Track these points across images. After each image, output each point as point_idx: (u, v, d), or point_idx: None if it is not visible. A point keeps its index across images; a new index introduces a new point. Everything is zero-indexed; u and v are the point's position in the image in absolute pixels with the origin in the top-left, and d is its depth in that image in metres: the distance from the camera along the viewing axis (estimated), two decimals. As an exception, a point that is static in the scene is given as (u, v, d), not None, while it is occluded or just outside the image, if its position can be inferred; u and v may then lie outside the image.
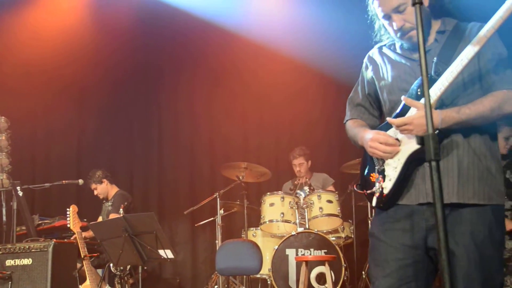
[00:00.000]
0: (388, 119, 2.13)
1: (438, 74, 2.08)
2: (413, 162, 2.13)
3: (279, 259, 5.25)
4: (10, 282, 4.40)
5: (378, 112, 2.48)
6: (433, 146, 1.49)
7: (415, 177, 2.14)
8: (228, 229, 6.62)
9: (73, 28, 6.85)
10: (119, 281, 4.63)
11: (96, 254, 5.31)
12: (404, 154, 2.13)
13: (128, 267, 4.72)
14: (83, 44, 6.91)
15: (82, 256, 4.59)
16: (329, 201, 5.46)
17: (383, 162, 2.21)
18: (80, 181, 5.82)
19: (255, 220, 5.99)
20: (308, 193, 5.76)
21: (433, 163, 1.51)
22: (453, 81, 2.01)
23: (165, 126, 7.49)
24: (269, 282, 5.46)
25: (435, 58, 2.15)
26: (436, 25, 2.25)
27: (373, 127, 2.40)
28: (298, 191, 5.82)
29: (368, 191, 2.27)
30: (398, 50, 2.31)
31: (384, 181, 2.19)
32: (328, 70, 6.65)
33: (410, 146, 2.12)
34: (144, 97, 7.54)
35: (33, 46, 6.82)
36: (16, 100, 6.70)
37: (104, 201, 6.14)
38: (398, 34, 2.22)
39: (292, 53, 6.65)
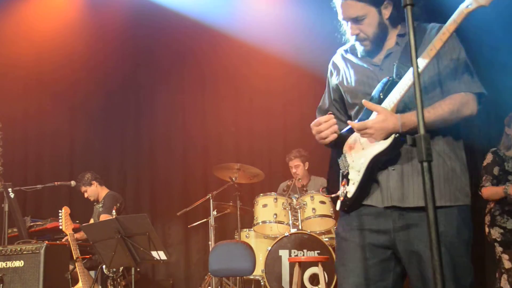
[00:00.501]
0: (349, 122, 2.14)
1: (400, 77, 2.07)
2: (376, 166, 2.12)
3: (272, 260, 5.25)
4: (1, 285, 4.38)
5: (346, 117, 2.47)
6: (425, 147, 1.49)
7: (379, 181, 2.14)
8: (221, 230, 6.61)
9: (65, 30, 6.85)
10: (112, 283, 4.61)
11: (88, 256, 5.29)
12: (367, 158, 2.12)
13: (121, 268, 4.71)
14: (76, 46, 6.91)
15: (75, 258, 4.57)
16: (322, 202, 5.47)
17: (348, 166, 2.20)
18: (73, 183, 5.80)
19: (248, 221, 5.99)
20: (301, 194, 5.77)
21: (425, 164, 1.51)
22: (411, 84, 1.98)
23: (157, 127, 7.47)
24: (262, 283, 5.45)
25: (396, 61, 2.15)
26: (396, 29, 2.24)
27: None
28: (294, 195, 5.82)
29: (333, 195, 2.27)
30: (360, 54, 2.31)
31: (347, 184, 2.18)
32: (321, 70, 6.63)
33: (372, 149, 2.11)
34: (136, 99, 7.52)
35: (25, 47, 6.80)
36: (7, 102, 6.67)
37: (95, 203, 6.12)
38: (354, 38, 2.24)
39: (284, 52, 6.66)
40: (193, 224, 6.41)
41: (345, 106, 2.43)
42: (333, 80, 2.45)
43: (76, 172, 6.37)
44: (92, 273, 5.49)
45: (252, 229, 5.74)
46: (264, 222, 5.53)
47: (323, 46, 6.45)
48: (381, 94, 2.11)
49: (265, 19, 6.75)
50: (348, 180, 2.18)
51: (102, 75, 7.16)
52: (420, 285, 2.07)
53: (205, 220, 6.19)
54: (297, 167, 6.11)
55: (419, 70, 1.91)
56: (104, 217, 5.67)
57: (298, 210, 5.48)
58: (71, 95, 7.30)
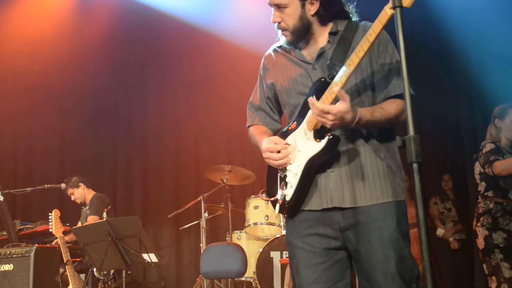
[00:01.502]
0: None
1: (332, 77, 2.04)
2: (313, 168, 2.10)
3: (264, 261, 5.24)
4: (-9, 288, 4.35)
5: (278, 116, 2.45)
6: (414, 148, 1.50)
7: (318, 184, 2.12)
8: (213, 232, 6.61)
9: (56, 30, 6.83)
10: (102, 286, 4.60)
11: (79, 259, 5.26)
12: (303, 160, 2.09)
13: (112, 271, 4.69)
14: (66, 46, 6.88)
15: (65, 261, 4.54)
16: (313, 203, 5.48)
17: (285, 169, 2.18)
18: (63, 185, 5.78)
19: (240, 223, 5.98)
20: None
21: (415, 165, 1.52)
22: (342, 85, 1.94)
23: (149, 129, 7.45)
24: (254, 285, 5.45)
25: (328, 61, 2.12)
26: (327, 27, 2.21)
27: (275, 131, 2.40)
28: None
29: (272, 199, 2.25)
30: (292, 52, 2.29)
31: (286, 188, 2.16)
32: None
33: (308, 151, 2.08)
34: (127, 100, 7.50)
35: (15, 46, 6.76)
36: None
37: (82, 206, 6.09)
38: (275, 26, 2.23)
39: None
40: (185, 226, 6.39)
41: (278, 104, 2.39)
42: (267, 78, 2.40)
43: (67, 175, 6.34)
44: (83, 276, 5.46)
45: (243, 230, 5.73)
46: (255, 223, 5.53)
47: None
48: (314, 94, 2.06)
49: (255, 19, 6.74)
50: (286, 183, 2.16)
51: (92, 75, 7.12)
52: (366, 284, 2.08)
53: (196, 222, 6.18)
54: None
55: (349, 72, 1.92)
56: (91, 218, 5.64)
57: (290, 212, 5.48)
58: (62, 95, 7.25)
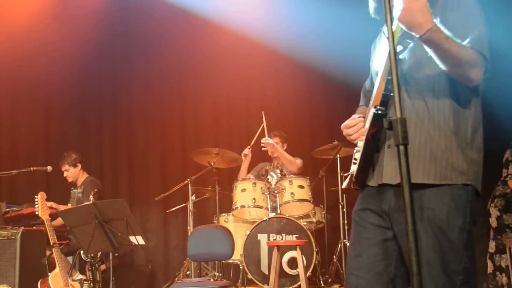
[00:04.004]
0: None
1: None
2: (371, 143, 2.05)
3: (251, 244, 5.28)
4: (-23, 271, 4.33)
5: None
6: (401, 130, 1.50)
7: (377, 159, 2.09)
8: (200, 215, 6.62)
9: (39, 17, 6.72)
10: (89, 268, 4.60)
11: (65, 242, 5.25)
12: (364, 137, 2.10)
13: (99, 254, 4.69)
14: (50, 33, 6.76)
15: (52, 244, 4.52)
16: (301, 186, 5.50)
17: (356, 145, 2.21)
18: (49, 168, 5.71)
19: (227, 205, 6.00)
20: (279, 178, 5.79)
21: (401, 147, 1.52)
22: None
23: (135, 112, 7.40)
24: (241, 268, 5.49)
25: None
26: None
27: None
28: (271, 173, 5.84)
29: (346, 174, 2.33)
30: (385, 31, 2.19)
31: (355, 163, 2.18)
32: (298, 54, 6.66)
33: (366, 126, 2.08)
34: (113, 84, 7.43)
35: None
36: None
37: (72, 188, 6.04)
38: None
39: (262, 37, 6.63)
40: (172, 209, 6.40)
41: None
42: (370, 61, 2.38)
43: (53, 157, 6.29)
44: (70, 258, 5.46)
45: (230, 213, 5.75)
46: (242, 206, 5.55)
47: (301, 33, 6.50)
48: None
49: (243, 6, 6.70)
50: (355, 159, 2.19)
51: (79, 60, 7.04)
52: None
53: (183, 205, 6.19)
54: (274, 146, 6.09)
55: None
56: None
57: (277, 195, 5.51)
58: (46, 80, 7.16)
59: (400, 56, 2.03)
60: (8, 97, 7.17)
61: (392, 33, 1.58)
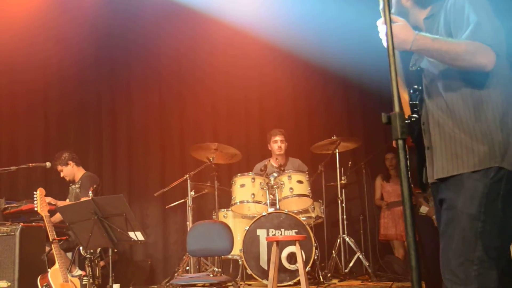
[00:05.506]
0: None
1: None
2: (419, 145, 2.25)
3: (250, 239, 5.29)
4: (-24, 267, 4.33)
5: None
6: (400, 125, 1.50)
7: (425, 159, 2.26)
8: (199, 211, 6.63)
9: (38, 11, 6.66)
10: (89, 264, 4.59)
11: (65, 238, 5.25)
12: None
13: (98, 250, 4.68)
14: (48, 26, 6.74)
15: (51, 240, 4.52)
16: (300, 182, 5.51)
17: None
18: (48, 164, 5.71)
19: (226, 201, 6.00)
20: (278, 173, 5.79)
21: (400, 142, 1.52)
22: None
23: (134, 107, 7.38)
24: (240, 263, 5.50)
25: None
26: (423, 13, 2.27)
27: None
28: (273, 174, 5.83)
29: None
30: None
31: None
32: (297, 50, 6.65)
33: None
34: (112, 78, 7.40)
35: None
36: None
37: (71, 184, 6.04)
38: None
39: (261, 34, 6.62)
40: (171, 204, 6.40)
41: None
42: None
43: (51, 153, 6.28)
44: (69, 254, 5.46)
45: (230, 209, 5.76)
46: (242, 202, 5.55)
47: (300, 29, 6.48)
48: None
49: (243, 3, 6.67)
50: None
51: (77, 54, 7.02)
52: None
53: (182, 200, 6.19)
54: (283, 142, 6.13)
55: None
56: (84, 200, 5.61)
57: (276, 190, 5.51)
58: (44, 73, 7.14)
59: (422, 65, 2.24)
60: (7, 93, 7.14)
61: (392, 32, 1.58)
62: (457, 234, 2.02)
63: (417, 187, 2.35)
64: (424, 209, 6.29)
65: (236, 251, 5.29)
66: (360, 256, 5.79)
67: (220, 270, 5.26)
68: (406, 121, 1.94)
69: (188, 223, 5.88)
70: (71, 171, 5.99)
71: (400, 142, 1.50)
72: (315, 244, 5.24)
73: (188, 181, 5.88)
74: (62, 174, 6.00)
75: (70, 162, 5.97)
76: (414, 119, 2.21)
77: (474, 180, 2.01)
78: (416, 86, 2.23)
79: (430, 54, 2.04)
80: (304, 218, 5.59)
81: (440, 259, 2.10)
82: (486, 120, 2.02)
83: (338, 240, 5.91)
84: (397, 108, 1.51)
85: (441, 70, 2.13)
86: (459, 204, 2.03)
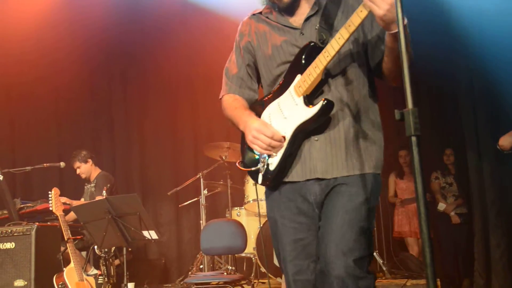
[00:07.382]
0: None
1: (323, 42, 1.97)
2: (301, 136, 2.01)
3: (264, 237, 5.26)
4: (-7, 266, 4.38)
5: (256, 85, 2.28)
6: (413, 121, 1.48)
7: (301, 153, 2.04)
8: (212, 209, 6.64)
9: (50, 12, 6.68)
10: (104, 263, 4.62)
11: (80, 237, 5.29)
12: (291, 127, 2.00)
13: (113, 249, 4.71)
14: (59, 27, 6.75)
15: (66, 239, 4.56)
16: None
17: None
18: (62, 164, 5.75)
19: (239, 199, 6.00)
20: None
21: (414, 138, 1.50)
22: (339, 50, 1.88)
23: (147, 107, 7.41)
24: (254, 261, 5.50)
25: (317, 26, 2.03)
26: None
27: (250, 101, 2.27)
28: None
29: (253, 168, 2.12)
30: (275, 19, 2.17)
31: (268, 157, 2.06)
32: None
33: (297, 118, 1.99)
34: (124, 78, 7.45)
35: (7, 29, 6.66)
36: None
37: (86, 183, 6.09)
38: None
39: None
40: (184, 203, 6.42)
41: (258, 73, 2.26)
42: (245, 44, 2.28)
43: (65, 153, 6.34)
44: (84, 253, 5.50)
45: (243, 207, 5.76)
46: (255, 200, 5.54)
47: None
48: (303, 59, 1.99)
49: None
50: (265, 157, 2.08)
51: (89, 55, 7.06)
52: (321, 251, 1.99)
53: (196, 199, 6.20)
54: None
55: (339, 44, 1.86)
56: (99, 199, 5.65)
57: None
58: (56, 75, 7.16)
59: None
60: (19, 95, 7.21)
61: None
62: (356, 228, 1.96)
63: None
64: (441, 206, 6.26)
65: (250, 249, 5.29)
66: (375, 254, 5.76)
67: (234, 268, 5.26)
68: (324, 104, 1.91)
69: (201, 221, 5.89)
70: (89, 168, 6.03)
71: (414, 139, 1.49)
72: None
73: (201, 179, 5.90)
74: (78, 171, 6.04)
75: (89, 160, 6.03)
76: (329, 102, 2.00)
77: (375, 181, 2.08)
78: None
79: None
80: (318, 216, 5.57)
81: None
82: (375, 127, 2.19)
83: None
84: (410, 105, 1.50)
85: (350, 65, 2.07)
86: (363, 198, 2.02)
